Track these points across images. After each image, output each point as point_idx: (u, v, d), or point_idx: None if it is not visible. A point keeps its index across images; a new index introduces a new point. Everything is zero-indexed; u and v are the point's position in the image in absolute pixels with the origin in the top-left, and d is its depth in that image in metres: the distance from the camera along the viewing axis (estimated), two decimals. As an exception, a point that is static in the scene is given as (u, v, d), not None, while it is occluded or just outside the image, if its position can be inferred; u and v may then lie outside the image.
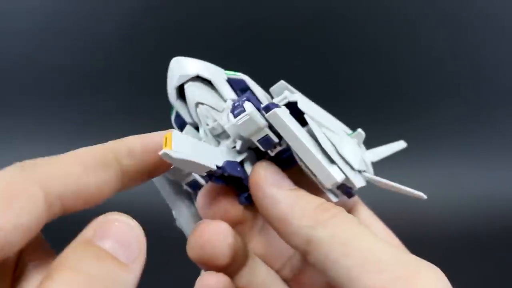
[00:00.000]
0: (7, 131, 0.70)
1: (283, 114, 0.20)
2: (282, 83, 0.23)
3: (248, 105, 0.21)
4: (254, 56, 0.68)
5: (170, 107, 0.25)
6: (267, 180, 0.21)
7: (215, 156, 0.21)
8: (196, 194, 0.25)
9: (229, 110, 0.22)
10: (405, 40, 0.68)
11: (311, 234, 0.19)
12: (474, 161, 0.69)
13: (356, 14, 0.68)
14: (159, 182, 0.25)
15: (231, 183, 0.23)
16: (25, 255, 0.19)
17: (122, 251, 0.16)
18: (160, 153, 0.18)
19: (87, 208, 0.18)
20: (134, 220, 0.17)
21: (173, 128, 0.25)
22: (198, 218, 0.25)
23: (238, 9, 0.67)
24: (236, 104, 0.21)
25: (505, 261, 0.57)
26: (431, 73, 0.69)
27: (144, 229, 0.17)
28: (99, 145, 0.19)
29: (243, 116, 0.20)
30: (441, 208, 0.64)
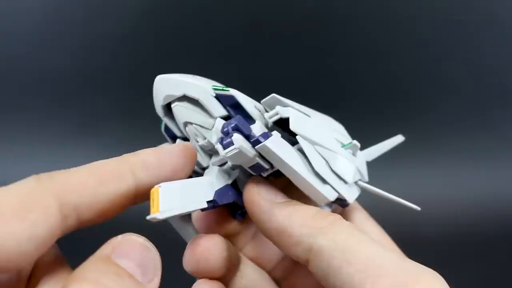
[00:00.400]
0: (7, 131, 0.70)
1: (273, 145, 0.20)
2: (273, 96, 0.22)
3: (236, 138, 0.20)
4: (254, 56, 0.68)
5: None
6: (261, 196, 0.21)
7: (205, 190, 0.21)
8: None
9: (217, 137, 0.21)
10: (405, 40, 0.68)
11: (311, 243, 0.19)
12: (474, 161, 0.69)
13: (356, 14, 0.68)
14: (178, 225, 0.24)
15: (225, 205, 0.23)
16: (40, 267, 0.19)
17: (139, 272, 0.16)
18: (148, 218, 0.18)
19: (102, 221, 0.19)
20: (151, 243, 0.17)
21: (164, 137, 0.25)
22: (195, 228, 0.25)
23: (237, 9, 0.67)
24: (225, 130, 0.21)
25: (505, 261, 0.57)
26: (431, 73, 0.69)
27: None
28: (114, 158, 0.19)
29: (232, 149, 0.20)
30: (440, 208, 0.64)
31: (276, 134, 0.21)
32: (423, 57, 0.69)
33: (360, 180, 0.24)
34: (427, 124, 0.69)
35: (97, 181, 0.18)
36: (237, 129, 0.20)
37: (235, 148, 0.20)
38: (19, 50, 0.70)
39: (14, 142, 0.69)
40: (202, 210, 0.21)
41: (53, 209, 0.16)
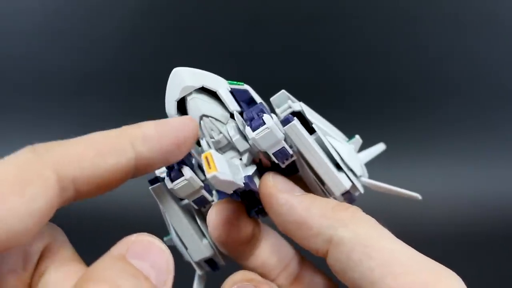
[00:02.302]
0: (7, 131, 0.70)
1: (300, 126, 0.21)
2: (283, 92, 0.23)
3: (267, 118, 0.20)
4: (254, 56, 0.68)
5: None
6: (278, 189, 0.21)
7: (238, 172, 0.21)
8: (199, 211, 0.25)
9: (237, 123, 0.22)
10: (405, 40, 0.68)
11: (332, 234, 0.19)
12: (474, 161, 0.69)
13: (356, 14, 0.68)
14: (157, 191, 0.23)
15: (244, 198, 0.23)
16: (47, 255, 0.18)
17: (154, 274, 0.16)
18: (208, 176, 0.18)
19: (100, 194, 0.18)
20: (165, 245, 0.17)
21: None
22: (201, 234, 0.25)
23: (237, 9, 0.67)
24: (250, 116, 0.21)
25: (505, 261, 0.57)
26: (431, 73, 0.69)
27: None
28: (114, 130, 0.19)
29: (263, 130, 0.20)
30: (440, 208, 0.64)
31: (297, 119, 0.21)
32: (423, 57, 0.69)
33: (361, 176, 0.24)
34: (427, 124, 0.69)
35: (96, 153, 0.17)
36: (262, 112, 0.21)
37: (267, 128, 0.20)
38: (19, 50, 0.70)
39: (14, 142, 0.69)
40: (231, 195, 0.21)
41: (51, 181, 0.16)
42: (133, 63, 0.69)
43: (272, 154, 0.21)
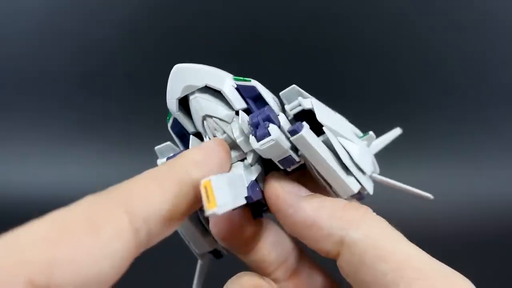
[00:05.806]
0: (7, 131, 0.70)
1: (309, 136, 0.20)
2: (294, 87, 0.22)
3: (273, 129, 0.19)
4: (254, 56, 0.68)
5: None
6: (285, 190, 0.21)
7: (241, 185, 0.20)
8: (201, 208, 0.24)
9: (241, 125, 0.21)
10: (405, 40, 0.68)
11: (343, 235, 0.19)
12: (474, 161, 0.69)
13: (356, 13, 0.68)
14: (183, 225, 0.23)
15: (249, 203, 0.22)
16: None
17: None
18: (207, 213, 0.17)
19: (171, 232, 0.17)
20: None
21: (171, 134, 0.24)
22: (204, 230, 0.24)
23: (237, 9, 0.67)
24: (254, 121, 0.20)
25: (505, 261, 0.56)
26: (431, 72, 0.69)
27: None
28: (163, 165, 0.18)
29: (268, 141, 0.19)
30: (441, 208, 0.64)
31: (306, 125, 0.20)
32: (423, 57, 0.69)
33: (373, 172, 0.24)
34: (427, 123, 0.69)
35: (159, 186, 0.17)
36: (268, 120, 0.20)
37: (272, 140, 0.19)
38: (19, 50, 0.70)
39: (14, 142, 0.69)
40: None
41: (124, 222, 0.15)
42: (133, 63, 0.69)
43: (278, 161, 0.20)
